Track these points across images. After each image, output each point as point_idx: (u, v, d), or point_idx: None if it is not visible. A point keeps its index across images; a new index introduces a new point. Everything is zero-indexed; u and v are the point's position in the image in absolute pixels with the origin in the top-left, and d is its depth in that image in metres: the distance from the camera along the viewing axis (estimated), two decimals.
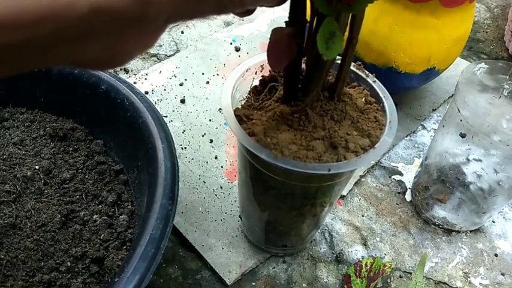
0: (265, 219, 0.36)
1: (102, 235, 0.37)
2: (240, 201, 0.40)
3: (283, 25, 0.24)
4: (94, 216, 0.38)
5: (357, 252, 0.42)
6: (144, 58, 0.61)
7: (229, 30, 0.66)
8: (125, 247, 0.36)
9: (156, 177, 0.34)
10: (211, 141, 0.50)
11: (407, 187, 0.48)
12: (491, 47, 0.70)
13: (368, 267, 0.40)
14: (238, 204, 0.44)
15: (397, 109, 0.30)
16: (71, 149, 0.43)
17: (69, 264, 0.35)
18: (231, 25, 0.67)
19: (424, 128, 0.54)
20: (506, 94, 0.39)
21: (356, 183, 0.48)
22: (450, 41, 0.46)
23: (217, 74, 0.58)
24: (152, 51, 0.62)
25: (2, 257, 0.34)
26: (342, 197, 0.46)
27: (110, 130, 0.43)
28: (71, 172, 0.41)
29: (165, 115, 0.52)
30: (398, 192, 0.48)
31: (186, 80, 0.57)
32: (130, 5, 0.13)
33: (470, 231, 0.44)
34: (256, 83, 0.31)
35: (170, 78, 0.57)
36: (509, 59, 0.67)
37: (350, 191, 0.47)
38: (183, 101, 0.54)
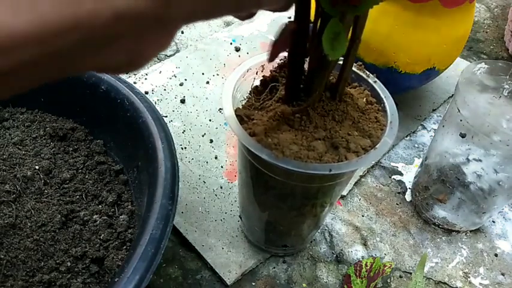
0: (266, 219, 0.36)
1: (102, 235, 0.37)
2: (240, 201, 0.40)
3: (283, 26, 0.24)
4: (94, 216, 0.38)
5: (357, 252, 0.42)
6: None
7: (229, 30, 0.66)
8: (124, 247, 0.36)
9: (156, 177, 0.34)
10: (211, 141, 0.50)
11: (407, 187, 0.48)
12: (491, 47, 0.70)
13: (368, 267, 0.40)
14: (238, 204, 0.44)
15: (397, 109, 0.30)
16: (71, 149, 0.43)
17: (69, 264, 0.35)
18: (231, 25, 0.67)
19: (424, 128, 0.55)
20: (506, 94, 0.39)
21: (356, 183, 0.48)
22: (450, 41, 0.46)
23: (217, 74, 0.58)
24: None
25: (2, 257, 0.34)
26: (342, 197, 0.46)
27: (110, 130, 0.43)
28: (71, 172, 0.41)
29: (165, 115, 0.52)
30: (398, 192, 0.48)
31: (186, 80, 0.57)
32: (151, 7, 0.13)
33: (470, 231, 0.44)
34: (257, 83, 0.31)
35: (170, 78, 0.57)
36: (509, 59, 0.67)
37: (350, 191, 0.47)
38: (183, 101, 0.54)
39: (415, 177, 0.47)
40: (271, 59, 0.29)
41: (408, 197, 0.47)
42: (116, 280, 0.28)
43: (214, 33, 0.65)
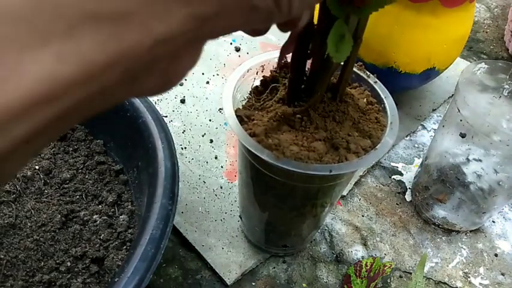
0: (266, 219, 0.36)
1: (102, 235, 0.37)
2: (240, 201, 0.40)
3: None
4: (94, 216, 0.38)
5: (357, 252, 0.42)
6: None
7: None
8: (124, 247, 0.36)
9: (156, 177, 0.34)
10: (211, 141, 0.50)
11: (407, 187, 0.48)
12: (491, 47, 0.70)
13: (368, 267, 0.40)
14: (238, 204, 0.44)
15: (397, 109, 0.30)
16: (71, 149, 0.43)
17: (69, 264, 0.35)
18: None
19: (424, 128, 0.55)
20: (506, 94, 0.39)
21: (356, 183, 0.48)
22: (450, 41, 0.46)
23: (217, 74, 0.58)
24: None
25: (2, 257, 0.34)
26: (342, 197, 0.46)
27: (110, 130, 0.43)
28: (71, 172, 0.41)
29: (165, 115, 0.52)
30: (398, 192, 0.48)
31: (186, 80, 0.57)
32: (188, 26, 0.13)
33: (470, 231, 0.44)
34: (257, 83, 0.31)
35: None
36: (509, 59, 0.67)
37: (350, 191, 0.47)
38: (183, 101, 0.54)
39: (415, 177, 0.47)
40: (280, 61, 0.30)
41: (408, 197, 0.47)
42: (115, 280, 0.28)
43: None
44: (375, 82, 0.31)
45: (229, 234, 0.42)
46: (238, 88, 0.31)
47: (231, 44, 0.63)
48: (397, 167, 0.50)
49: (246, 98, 0.31)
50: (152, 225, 0.30)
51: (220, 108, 0.54)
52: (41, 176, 0.40)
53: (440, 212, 0.43)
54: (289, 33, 0.23)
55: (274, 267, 0.40)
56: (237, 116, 0.28)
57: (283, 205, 0.32)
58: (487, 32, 0.73)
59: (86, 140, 0.44)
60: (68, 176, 0.40)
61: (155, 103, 0.53)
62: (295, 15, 0.15)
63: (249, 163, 0.30)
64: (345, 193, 0.46)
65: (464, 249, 0.43)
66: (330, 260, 0.41)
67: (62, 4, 0.11)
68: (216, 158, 0.48)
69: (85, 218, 0.38)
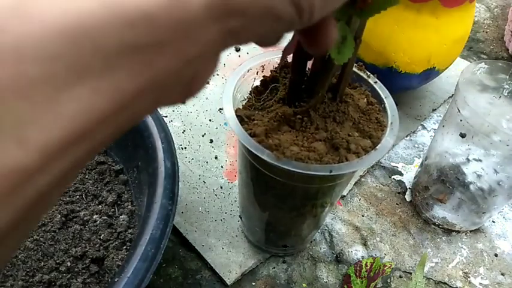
0: (266, 219, 0.36)
1: (102, 235, 0.37)
2: (240, 201, 0.40)
3: None
4: (94, 216, 0.38)
5: (357, 252, 0.42)
6: None
7: None
8: (124, 247, 0.36)
9: (156, 177, 0.34)
10: (211, 141, 0.50)
11: (407, 187, 0.48)
12: (491, 47, 0.70)
13: (368, 267, 0.40)
14: (238, 204, 0.44)
15: (397, 109, 0.30)
16: None
17: (69, 264, 0.35)
18: None
19: (424, 128, 0.55)
20: (506, 94, 0.39)
21: (356, 183, 0.48)
22: (450, 41, 0.46)
23: (217, 74, 0.58)
24: None
25: None
26: (342, 197, 0.46)
27: None
28: None
29: (165, 115, 0.52)
30: (398, 192, 0.48)
31: None
32: (218, 42, 0.13)
33: (470, 231, 0.44)
34: (257, 83, 0.31)
35: None
36: (509, 59, 0.67)
37: (350, 191, 0.47)
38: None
39: (415, 177, 0.47)
40: (281, 62, 0.30)
41: (408, 197, 0.47)
42: (116, 280, 0.28)
43: None
44: (375, 82, 0.31)
45: (229, 234, 0.42)
46: (238, 88, 0.31)
47: None
48: (397, 167, 0.50)
49: (246, 98, 0.31)
50: (152, 225, 0.30)
51: (220, 108, 0.54)
52: None
53: (440, 212, 0.43)
54: (291, 34, 0.23)
55: (274, 267, 0.40)
56: (237, 116, 0.28)
57: (283, 205, 0.32)
58: (487, 32, 0.73)
59: None
60: None
61: None
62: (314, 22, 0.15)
63: (249, 163, 0.30)
64: (345, 193, 0.46)
65: (464, 249, 0.43)
66: (330, 260, 0.41)
67: (100, 39, 0.10)
68: (216, 158, 0.48)
69: (85, 218, 0.38)
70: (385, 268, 0.39)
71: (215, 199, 0.44)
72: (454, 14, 0.44)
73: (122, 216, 0.38)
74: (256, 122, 0.28)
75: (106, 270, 0.35)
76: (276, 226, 0.37)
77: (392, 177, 0.49)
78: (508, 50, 0.69)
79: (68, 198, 0.39)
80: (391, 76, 0.47)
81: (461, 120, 0.36)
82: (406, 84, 0.50)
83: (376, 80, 0.32)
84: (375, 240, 0.43)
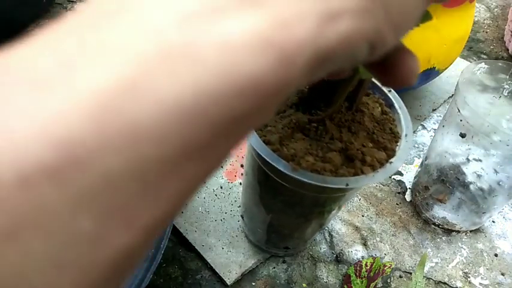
0: (269, 222, 0.36)
1: None
2: (243, 201, 0.40)
3: None
4: None
5: (357, 252, 0.42)
6: None
7: None
8: None
9: None
10: None
11: (407, 187, 0.48)
12: (491, 47, 0.70)
13: (368, 267, 0.40)
14: (239, 203, 0.44)
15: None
16: None
17: None
18: None
19: (424, 128, 0.54)
20: (506, 94, 0.39)
21: None
22: (450, 41, 0.46)
23: None
24: None
25: None
26: None
27: None
28: None
29: None
30: (398, 192, 0.48)
31: None
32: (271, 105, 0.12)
33: (470, 231, 0.44)
34: None
35: None
36: (509, 59, 0.67)
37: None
38: None
39: (415, 177, 0.47)
40: None
41: (408, 197, 0.47)
42: None
43: None
44: (389, 91, 0.30)
45: (229, 234, 0.42)
46: None
47: None
48: None
49: None
50: None
51: None
52: None
53: (440, 212, 0.43)
54: None
55: (274, 267, 0.40)
56: None
57: (290, 210, 0.32)
58: (487, 32, 0.73)
59: None
60: None
61: None
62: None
63: (258, 166, 0.29)
64: None
65: (464, 249, 0.43)
66: (330, 260, 0.41)
67: (213, 114, 0.10)
68: None
69: None
70: (385, 268, 0.39)
71: (215, 199, 0.44)
72: (454, 14, 0.44)
73: None
74: (270, 129, 0.27)
75: None
76: (279, 229, 0.36)
77: (393, 177, 0.49)
78: (508, 50, 0.69)
79: None
80: None
81: (461, 120, 0.36)
82: None
83: (390, 88, 0.31)
84: (375, 240, 0.43)
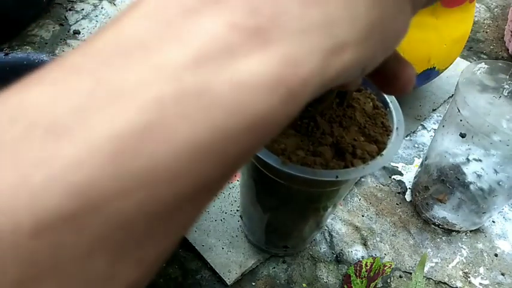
0: (267, 221, 0.36)
1: None
2: (241, 201, 0.40)
3: None
4: None
5: (357, 252, 0.42)
6: None
7: None
8: None
9: None
10: None
11: (407, 187, 0.48)
12: (491, 47, 0.70)
13: (368, 267, 0.40)
14: (238, 204, 0.44)
15: None
16: None
17: None
18: None
19: (424, 128, 0.55)
20: (506, 94, 0.39)
21: (356, 183, 0.48)
22: (450, 41, 0.46)
23: None
24: None
25: None
26: None
27: None
28: None
29: None
30: (398, 192, 0.48)
31: None
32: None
33: (470, 231, 0.44)
34: None
35: None
36: (509, 59, 0.67)
37: (350, 191, 0.47)
38: None
39: (415, 177, 0.47)
40: None
41: (408, 197, 0.47)
42: None
43: None
44: None
45: (229, 234, 0.42)
46: None
47: None
48: (397, 167, 0.50)
49: None
50: None
51: None
52: None
53: (440, 212, 0.43)
54: None
55: (274, 267, 0.40)
56: None
57: (285, 207, 0.32)
58: (487, 32, 0.73)
59: None
60: None
61: None
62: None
63: (252, 164, 0.30)
64: None
65: (464, 249, 0.43)
66: (330, 260, 0.41)
67: (225, 151, 0.11)
68: None
69: None
70: (385, 268, 0.39)
71: (215, 199, 0.44)
72: (454, 14, 0.44)
73: None
74: None
75: None
76: (277, 227, 0.37)
77: (392, 177, 0.49)
78: (508, 50, 0.69)
79: None
80: None
81: (461, 120, 0.36)
82: None
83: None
84: (375, 240, 0.43)
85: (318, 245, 0.42)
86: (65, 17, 0.65)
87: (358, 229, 0.44)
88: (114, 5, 0.68)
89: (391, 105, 0.30)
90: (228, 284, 0.38)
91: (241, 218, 0.41)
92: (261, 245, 0.40)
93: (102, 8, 0.67)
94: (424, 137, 0.53)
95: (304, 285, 0.40)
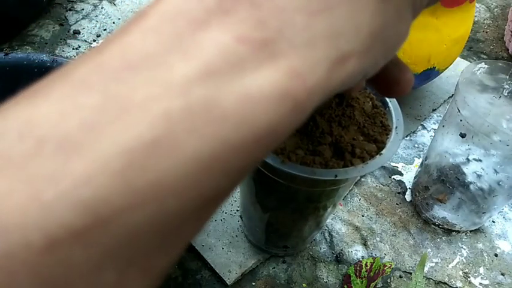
0: (267, 221, 0.36)
1: None
2: (241, 201, 0.40)
3: None
4: None
5: (357, 252, 0.42)
6: None
7: None
8: None
9: None
10: None
11: (407, 187, 0.48)
12: (491, 47, 0.70)
13: (368, 267, 0.40)
14: (238, 204, 0.44)
15: None
16: None
17: None
18: None
19: (424, 128, 0.55)
20: (506, 94, 0.39)
21: (356, 183, 0.48)
22: (450, 41, 0.46)
23: None
24: None
25: None
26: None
27: None
28: None
29: None
30: (398, 192, 0.48)
31: None
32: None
33: (470, 231, 0.44)
34: None
35: None
36: (509, 59, 0.67)
37: (350, 191, 0.47)
38: None
39: (415, 177, 0.47)
40: None
41: (408, 197, 0.47)
42: None
43: None
44: None
45: (229, 234, 0.42)
46: None
47: None
48: (397, 167, 0.50)
49: None
50: None
51: None
52: None
53: (440, 212, 0.43)
54: None
55: (274, 267, 0.40)
56: None
57: (285, 207, 0.32)
58: (487, 32, 0.73)
59: None
60: None
61: None
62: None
63: None
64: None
65: (464, 249, 0.43)
66: (330, 260, 0.41)
67: (231, 164, 0.11)
68: None
69: None
70: (385, 268, 0.39)
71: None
72: (454, 14, 0.44)
73: None
74: None
75: None
76: (277, 227, 0.37)
77: (392, 177, 0.49)
78: (508, 50, 0.69)
79: None
80: None
81: (461, 120, 0.36)
82: None
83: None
84: (375, 240, 0.43)
85: (318, 245, 0.42)
86: (65, 17, 0.65)
87: (358, 229, 0.44)
88: (114, 5, 0.68)
89: (390, 104, 0.30)
90: (228, 284, 0.38)
91: (241, 218, 0.41)
92: (261, 245, 0.40)
93: (102, 8, 0.67)
94: (424, 137, 0.53)
95: (304, 285, 0.40)
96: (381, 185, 0.48)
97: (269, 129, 0.11)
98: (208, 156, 0.10)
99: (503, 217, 0.46)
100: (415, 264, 0.42)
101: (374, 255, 0.42)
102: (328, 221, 0.44)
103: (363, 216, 0.45)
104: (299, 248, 0.41)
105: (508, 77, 0.38)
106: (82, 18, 0.65)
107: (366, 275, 0.39)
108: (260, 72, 0.11)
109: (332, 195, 0.31)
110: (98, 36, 0.62)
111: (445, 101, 0.58)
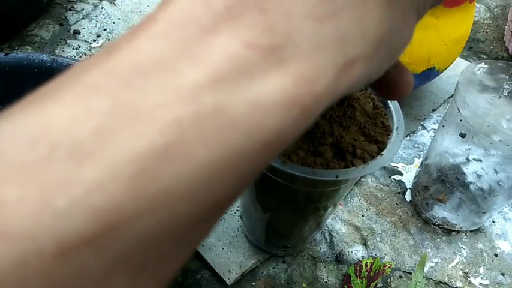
0: (267, 221, 0.36)
1: None
2: (241, 201, 0.40)
3: None
4: None
5: (357, 252, 0.42)
6: None
7: None
8: None
9: None
10: None
11: (407, 187, 0.48)
12: (491, 47, 0.70)
13: (368, 267, 0.40)
14: (238, 204, 0.44)
15: None
16: None
17: None
18: None
19: (424, 128, 0.55)
20: (506, 94, 0.39)
21: (356, 183, 0.48)
22: (450, 41, 0.46)
23: None
24: None
25: None
26: None
27: None
28: None
29: None
30: (398, 192, 0.48)
31: None
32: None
33: (470, 231, 0.44)
34: None
35: None
36: (509, 59, 0.67)
37: (350, 191, 0.47)
38: None
39: (415, 177, 0.47)
40: None
41: (408, 197, 0.47)
42: None
43: None
44: None
45: (229, 234, 0.42)
46: None
47: None
48: (397, 167, 0.50)
49: None
50: None
51: None
52: None
53: (440, 212, 0.43)
54: None
55: (274, 267, 0.40)
56: None
57: (285, 207, 0.32)
58: (487, 32, 0.73)
59: None
60: None
61: None
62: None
63: None
64: None
65: (464, 249, 0.43)
66: (330, 260, 0.41)
67: (240, 170, 0.11)
68: None
69: None
70: (385, 268, 0.39)
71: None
72: (454, 14, 0.44)
73: None
74: None
75: None
76: (277, 227, 0.37)
77: (392, 177, 0.49)
78: (508, 50, 0.69)
79: None
80: None
81: (461, 120, 0.36)
82: None
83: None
84: (375, 240, 0.43)
85: (318, 245, 0.42)
86: (65, 17, 0.65)
87: (358, 229, 0.44)
88: (114, 5, 0.68)
89: (391, 105, 0.30)
90: (228, 284, 0.38)
91: (241, 218, 0.41)
92: (261, 245, 0.40)
93: (102, 8, 0.67)
94: (424, 137, 0.53)
95: (304, 285, 0.40)
96: (381, 185, 0.48)
97: (277, 136, 0.11)
98: (218, 163, 0.10)
99: (503, 217, 0.46)
100: (415, 264, 0.42)
101: (374, 255, 0.42)
102: (328, 221, 0.44)
103: (363, 216, 0.45)
104: (299, 248, 0.41)
105: (508, 77, 0.38)
106: (82, 18, 0.65)
107: (366, 275, 0.39)
108: (268, 79, 0.11)
109: (332, 195, 0.31)
110: (98, 36, 0.62)
111: (445, 101, 0.58)
